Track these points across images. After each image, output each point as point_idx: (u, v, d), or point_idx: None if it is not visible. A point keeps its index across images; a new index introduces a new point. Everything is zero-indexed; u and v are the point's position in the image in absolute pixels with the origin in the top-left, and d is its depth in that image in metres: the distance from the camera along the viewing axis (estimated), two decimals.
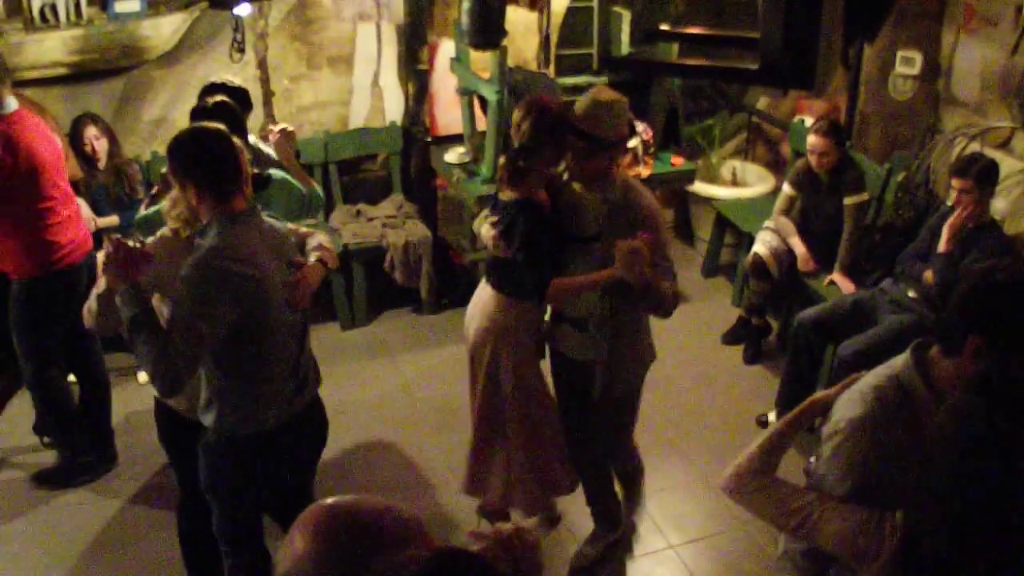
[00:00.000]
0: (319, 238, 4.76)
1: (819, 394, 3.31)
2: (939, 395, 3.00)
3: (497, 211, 5.13)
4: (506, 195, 5.08)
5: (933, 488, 2.75)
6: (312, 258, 4.54)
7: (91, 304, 4.31)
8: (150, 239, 4.40)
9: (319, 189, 5.82)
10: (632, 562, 5.82)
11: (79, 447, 6.49)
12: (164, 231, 4.51)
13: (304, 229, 4.85)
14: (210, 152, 4.08)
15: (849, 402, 3.15)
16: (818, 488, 3.17)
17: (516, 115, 5.03)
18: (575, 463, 5.59)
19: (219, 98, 5.65)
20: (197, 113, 5.53)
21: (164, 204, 4.58)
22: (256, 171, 5.11)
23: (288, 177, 5.55)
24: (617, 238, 4.70)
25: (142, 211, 5.38)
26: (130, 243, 3.96)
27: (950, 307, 3.01)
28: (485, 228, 5.20)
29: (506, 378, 5.38)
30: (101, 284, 4.17)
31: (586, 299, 5.09)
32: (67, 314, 6.02)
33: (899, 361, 3.14)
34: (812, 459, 3.32)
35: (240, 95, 6.09)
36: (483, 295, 5.44)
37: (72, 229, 6.07)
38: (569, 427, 5.53)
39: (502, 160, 5.09)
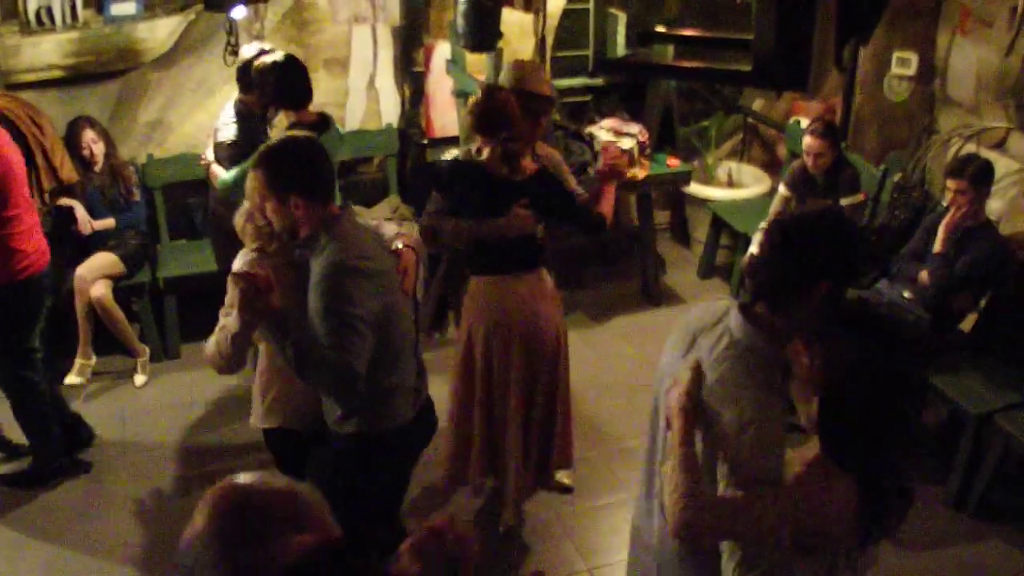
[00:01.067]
0: (392, 227, 4.78)
1: (682, 400, 3.16)
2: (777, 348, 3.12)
3: (513, 196, 5.35)
4: (514, 178, 5.37)
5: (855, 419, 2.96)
6: (399, 244, 4.56)
7: (222, 347, 4.21)
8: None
9: None
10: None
11: (52, 452, 6.46)
12: (250, 257, 4.48)
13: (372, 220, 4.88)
14: (310, 160, 4.14)
15: (727, 400, 3.10)
16: (759, 483, 3.05)
17: (471, 116, 5.40)
18: None
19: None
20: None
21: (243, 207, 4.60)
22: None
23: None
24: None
25: (225, 176, 6.25)
26: (258, 272, 3.96)
27: (784, 263, 3.08)
28: (512, 217, 5.37)
29: (561, 347, 5.72)
30: (231, 325, 4.10)
31: None
32: (31, 325, 6.05)
33: (729, 331, 3.20)
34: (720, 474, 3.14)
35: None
36: (522, 284, 5.57)
37: (36, 238, 6.01)
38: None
39: (487, 151, 5.38)
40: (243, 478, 2.17)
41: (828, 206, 4.04)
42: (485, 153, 5.43)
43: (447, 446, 5.85)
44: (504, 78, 5.81)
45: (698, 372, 3.18)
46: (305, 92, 6.36)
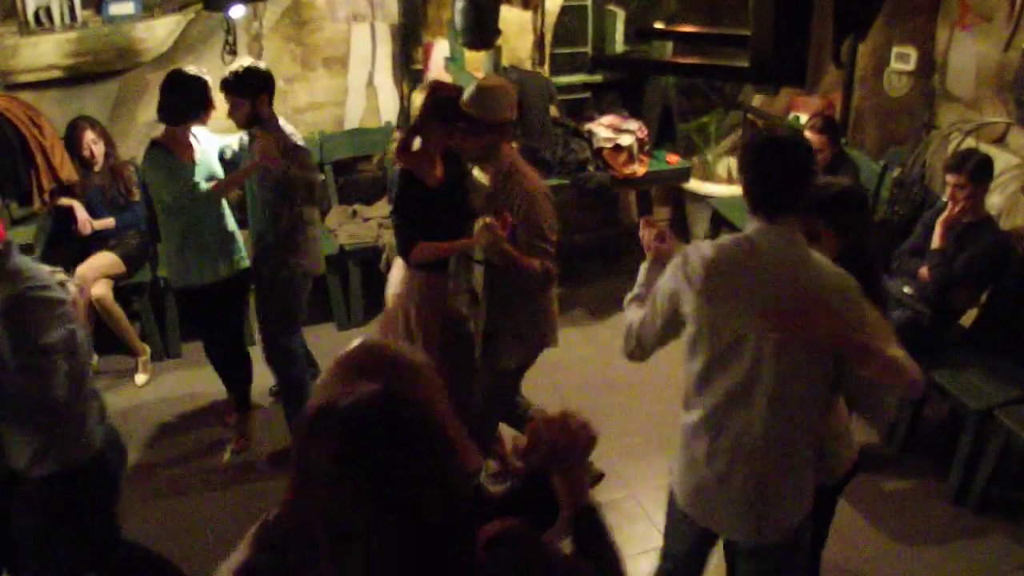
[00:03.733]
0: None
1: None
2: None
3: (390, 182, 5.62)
4: (395, 167, 5.64)
5: None
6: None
7: None
8: None
9: None
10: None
11: None
12: None
13: None
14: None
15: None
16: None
17: (416, 97, 5.67)
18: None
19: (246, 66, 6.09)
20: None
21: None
22: None
23: None
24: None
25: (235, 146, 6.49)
26: None
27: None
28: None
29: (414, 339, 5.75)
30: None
31: (474, 273, 5.76)
32: None
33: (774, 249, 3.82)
34: None
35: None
36: (398, 264, 5.89)
37: None
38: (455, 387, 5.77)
39: (396, 135, 5.49)
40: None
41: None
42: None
43: None
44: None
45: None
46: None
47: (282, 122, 6.17)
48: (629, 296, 4.29)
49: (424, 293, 5.70)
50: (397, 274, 5.91)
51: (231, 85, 5.96)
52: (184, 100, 6.10)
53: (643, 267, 4.37)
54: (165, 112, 6.12)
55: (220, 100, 6.08)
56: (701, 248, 3.84)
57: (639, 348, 4.14)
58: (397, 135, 5.53)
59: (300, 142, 6.16)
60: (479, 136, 5.35)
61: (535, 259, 5.30)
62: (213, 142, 6.49)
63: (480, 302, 5.74)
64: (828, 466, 4.29)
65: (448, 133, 5.43)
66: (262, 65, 6.17)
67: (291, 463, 2.10)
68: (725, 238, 3.91)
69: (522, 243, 5.28)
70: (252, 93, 6.00)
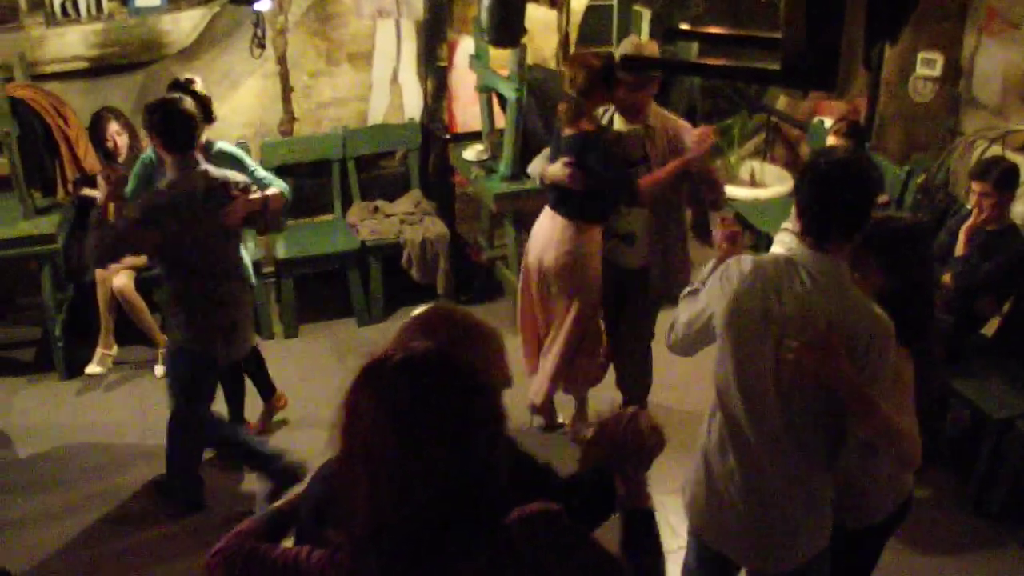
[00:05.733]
0: None
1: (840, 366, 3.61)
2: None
3: (563, 150, 5.97)
4: (568, 132, 5.96)
5: None
6: None
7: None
8: None
9: None
10: None
11: None
12: None
13: None
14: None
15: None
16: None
17: (567, 71, 5.95)
18: (621, 354, 6.69)
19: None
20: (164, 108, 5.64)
21: None
22: None
23: None
24: (660, 156, 5.99)
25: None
26: None
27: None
28: (554, 167, 6.00)
29: (577, 292, 6.23)
30: None
31: (635, 216, 6.17)
32: None
33: (809, 272, 3.74)
34: None
35: (203, 102, 6.12)
36: (553, 226, 6.22)
37: None
38: (617, 325, 6.63)
39: (563, 106, 5.95)
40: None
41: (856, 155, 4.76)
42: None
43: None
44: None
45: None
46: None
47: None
48: (687, 290, 4.27)
49: (594, 245, 6.18)
50: (557, 236, 6.20)
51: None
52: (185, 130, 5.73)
53: (709, 265, 4.32)
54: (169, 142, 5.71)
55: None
56: (743, 261, 3.83)
57: (680, 344, 4.22)
58: (562, 107, 5.98)
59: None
60: (636, 92, 5.91)
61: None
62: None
63: (636, 240, 6.24)
64: (857, 506, 4.21)
65: (609, 95, 5.95)
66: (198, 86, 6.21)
67: (342, 404, 2.19)
68: (769, 256, 3.93)
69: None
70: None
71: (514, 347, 7.30)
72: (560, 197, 6.11)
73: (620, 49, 6.18)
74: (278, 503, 2.92)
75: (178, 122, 5.52)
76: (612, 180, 5.95)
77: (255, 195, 5.80)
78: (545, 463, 2.94)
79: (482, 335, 2.64)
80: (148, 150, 6.32)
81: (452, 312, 2.68)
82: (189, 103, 5.62)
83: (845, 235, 3.68)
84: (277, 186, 6.13)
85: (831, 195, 3.64)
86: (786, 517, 3.86)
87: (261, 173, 6.23)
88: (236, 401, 6.65)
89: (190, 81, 6.44)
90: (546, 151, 6.29)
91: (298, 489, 2.83)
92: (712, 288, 3.89)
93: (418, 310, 2.65)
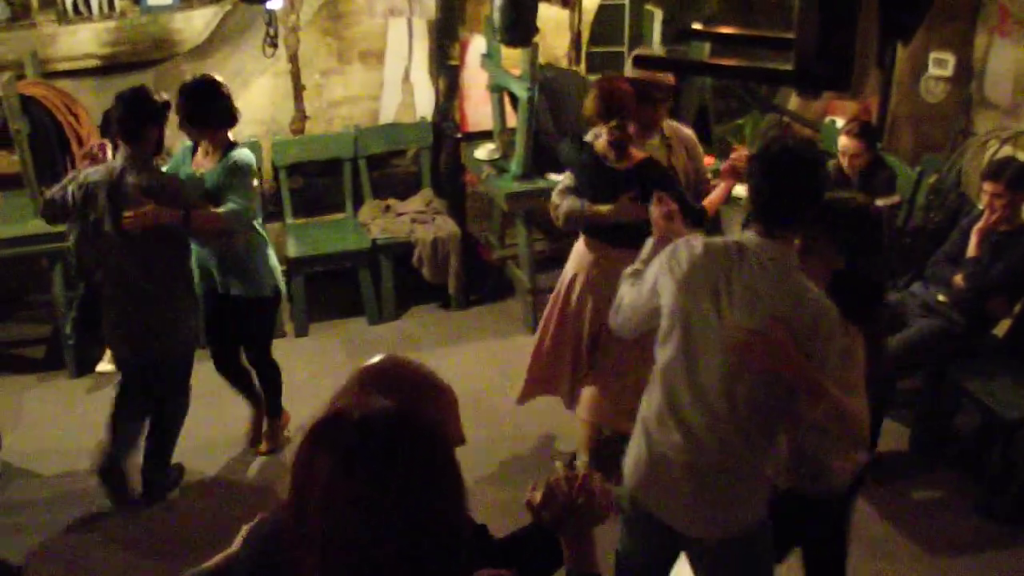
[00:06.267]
0: None
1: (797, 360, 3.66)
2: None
3: (621, 185, 5.74)
4: (622, 166, 5.78)
5: None
6: None
7: None
8: None
9: None
10: None
11: None
12: None
13: None
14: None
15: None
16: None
17: (598, 102, 5.77)
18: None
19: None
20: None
21: None
22: None
23: None
24: (683, 168, 6.06)
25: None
26: None
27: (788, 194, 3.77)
28: (617, 206, 5.77)
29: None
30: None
31: None
32: None
33: (758, 257, 3.76)
34: None
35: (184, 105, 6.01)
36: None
37: None
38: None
39: (604, 140, 5.79)
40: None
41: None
42: (601, 139, 5.81)
43: (536, 365, 6.40)
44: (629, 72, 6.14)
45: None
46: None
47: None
48: (629, 269, 4.32)
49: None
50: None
51: None
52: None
53: (648, 243, 4.41)
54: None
55: None
56: (692, 244, 3.86)
57: (624, 324, 4.26)
58: (605, 137, 5.79)
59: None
60: (655, 106, 5.90)
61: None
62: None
63: None
64: (815, 475, 4.24)
65: (654, 112, 5.94)
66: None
67: (293, 461, 2.12)
68: (718, 239, 3.92)
69: (691, 182, 6.07)
70: None
71: (520, 345, 7.32)
72: (618, 231, 5.82)
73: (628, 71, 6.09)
74: (207, 563, 2.80)
75: (131, 111, 5.66)
76: (687, 205, 5.59)
77: (163, 211, 5.59)
78: (481, 524, 2.78)
79: (437, 391, 2.57)
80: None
81: (407, 366, 2.59)
82: (158, 98, 5.75)
83: (794, 222, 3.75)
84: (228, 209, 5.85)
85: (781, 182, 3.71)
86: (724, 489, 3.92)
87: (231, 196, 5.89)
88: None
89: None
90: (561, 186, 6.11)
91: (230, 549, 2.73)
92: (659, 269, 3.91)
93: (370, 361, 2.55)
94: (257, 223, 6.15)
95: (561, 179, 6.18)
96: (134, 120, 5.61)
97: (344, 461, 2.02)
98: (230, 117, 5.98)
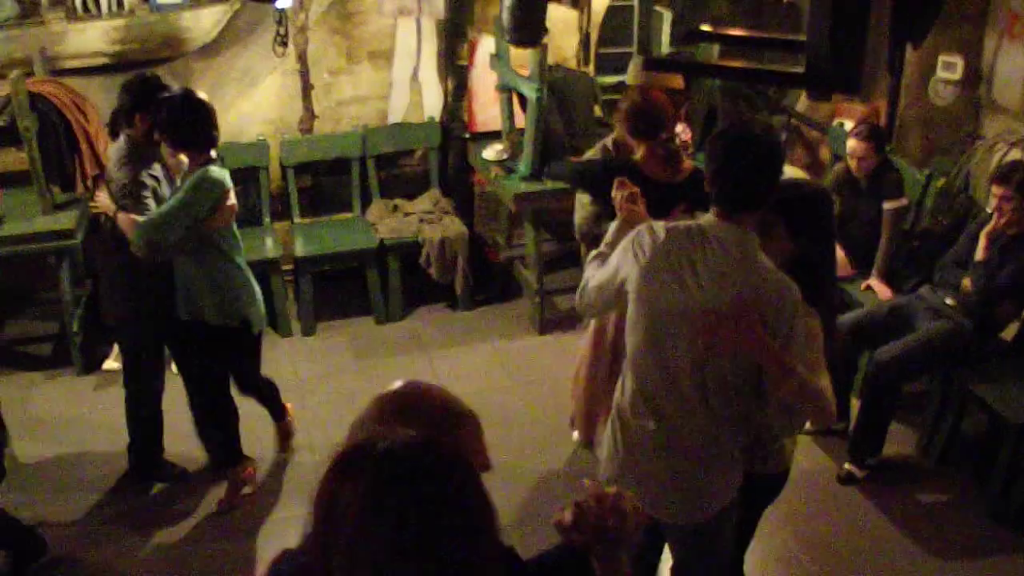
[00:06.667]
0: None
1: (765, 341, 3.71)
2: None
3: (677, 198, 5.38)
4: (678, 178, 5.58)
5: None
6: None
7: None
8: None
9: None
10: None
11: None
12: None
13: None
14: None
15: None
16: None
17: (624, 123, 5.72)
18: None
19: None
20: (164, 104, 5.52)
21: None
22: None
23: None
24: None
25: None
26: None
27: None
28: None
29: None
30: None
31: None
32: None
33: (721, 241, 3.80)
34: None
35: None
36: None
37: None
38: None
39: (641, 152, 5.63)
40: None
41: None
42: (639, 153, 5.64)
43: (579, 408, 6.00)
44: (634, 75, 6.12)
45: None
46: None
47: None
48: (593, 252, 4.36)
49: None
50: None
51: None
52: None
53: (612, 226, 4.44)
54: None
55: None
56: (655, 228, 3.88)
57: (589, 307, 4.29)
58: (640, 151, 5.66)
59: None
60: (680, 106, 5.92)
61: None
62: None
63: None
64: (765, 456, 4.31)
65: (676, 119, 6.08)
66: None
67: (317, 495, 2.06)
68: (680, 224, 3.93)
69: None
70: None
71: (527, 346, 7.32)
72: None
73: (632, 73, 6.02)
74: None
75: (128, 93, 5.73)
76: None
77: (105, 204, 5.72)
78: (509, 547, 2.66)
79: (460, 417, 2.47)
80: None
81: (429, 392, 2.49)
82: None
83: (754, 205, 3.79)
84: (143, 219, 5.49)
85: (739, 165, 3.74)
86: (698, 474, 3.97)
87: (169, 202, 5.56)
88: None
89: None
90: (588, 211, 5.93)
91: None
92: (624, 255, 3.93)
93: (390, 387, 2.47)
94: (229, 245, 5.79)
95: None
96: (129, 103, 5.63)
97: (371, 496, 1.96)
98: (214, 139, 5.61)
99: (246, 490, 6.29)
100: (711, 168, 3.82)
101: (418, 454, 2.02)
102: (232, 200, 5.64)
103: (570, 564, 2.67)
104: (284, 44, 7.27)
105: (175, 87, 5.74)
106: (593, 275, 4.20)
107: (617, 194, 4.50)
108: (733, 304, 3.66)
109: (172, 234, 5.43)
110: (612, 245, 4.24)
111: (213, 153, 5.58)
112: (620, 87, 8.74)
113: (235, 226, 5.79)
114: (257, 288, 5.93)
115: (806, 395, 3.73)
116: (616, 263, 3.99)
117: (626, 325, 3.99)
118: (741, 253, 3.73)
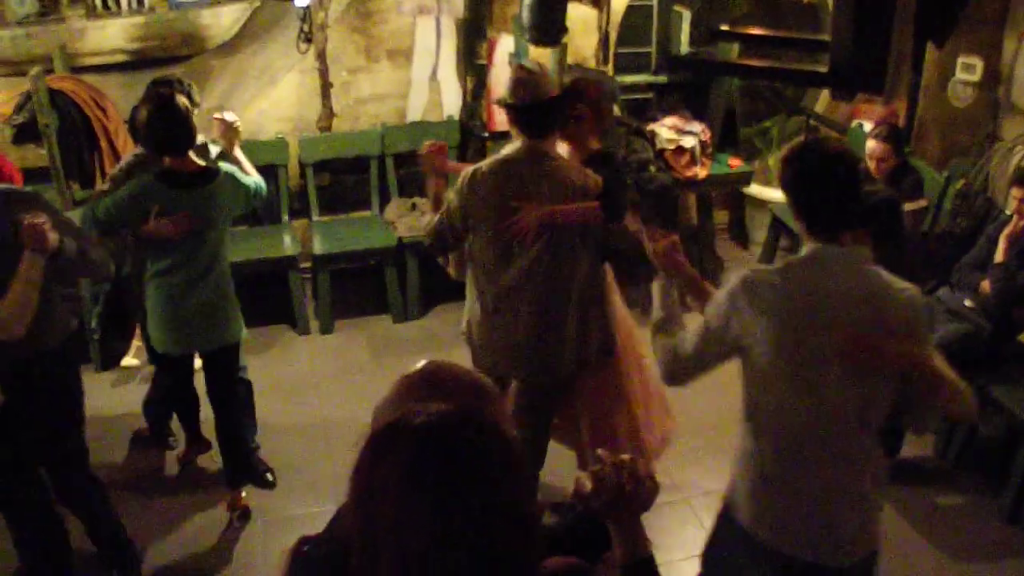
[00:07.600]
0: None
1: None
2: None
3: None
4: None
5: None
6: None
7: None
8: None
9: (261, 180, 5.89)
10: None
11: None
12: None
13: None
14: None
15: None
16: None
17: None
18: None
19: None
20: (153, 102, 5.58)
21: None
22: (204, 164, 5.50)
23: (234, 171, 5.65)
24: None
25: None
26: None
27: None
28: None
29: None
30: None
31: None
32: None
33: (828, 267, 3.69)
34: None
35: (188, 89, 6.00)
36: None
37: None
38: None
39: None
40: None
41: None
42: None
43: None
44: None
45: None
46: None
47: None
48: (653, 322, 4.12)
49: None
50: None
51: None
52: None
53: (657, 287, 4.22)
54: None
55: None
56: (763, 274, 3.72)
57: (688, 374, 3.97)
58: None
59: None
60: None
61: None
62: None
63: None
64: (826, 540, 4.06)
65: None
66: None
67: (353, 478, 2.05)
68: (783, 263, 3.81)
69: None
70: None
71: None
72: None
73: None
74: None
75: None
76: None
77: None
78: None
79: (486, 388, 2.48)
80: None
81: (450, 367, 2.49)
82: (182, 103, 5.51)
83: (847, 222, 3.69)
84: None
85: (825, 187, 3.65)
86: (861, 508, 3.83)
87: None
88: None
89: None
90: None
91: None
92: (731, 309, 3.73)
93: (411, 368, 2.46)
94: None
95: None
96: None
97: (412, 472, 1.95)
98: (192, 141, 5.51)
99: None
100: (797, 194, 3.72)
101: (457, 425, 2.01)
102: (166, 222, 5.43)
103: (587, 529, 2.70)
104: (308, 40, 7.27)
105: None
106: (672, 342, 3.97)
107: (657, 246, 4.22)
108: (875, 323, 3.56)
109: (101, 211, 5.46)
110: (667, 308, 4.10)
111: (194, 156, 5.50)
112: (639, 87, 8.76)
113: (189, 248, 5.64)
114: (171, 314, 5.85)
115: (957, 394, 3.61)
116: (719, 323, 3.77)
117: (748, 384, 3.82)
118: (862, 271, 3.64)
